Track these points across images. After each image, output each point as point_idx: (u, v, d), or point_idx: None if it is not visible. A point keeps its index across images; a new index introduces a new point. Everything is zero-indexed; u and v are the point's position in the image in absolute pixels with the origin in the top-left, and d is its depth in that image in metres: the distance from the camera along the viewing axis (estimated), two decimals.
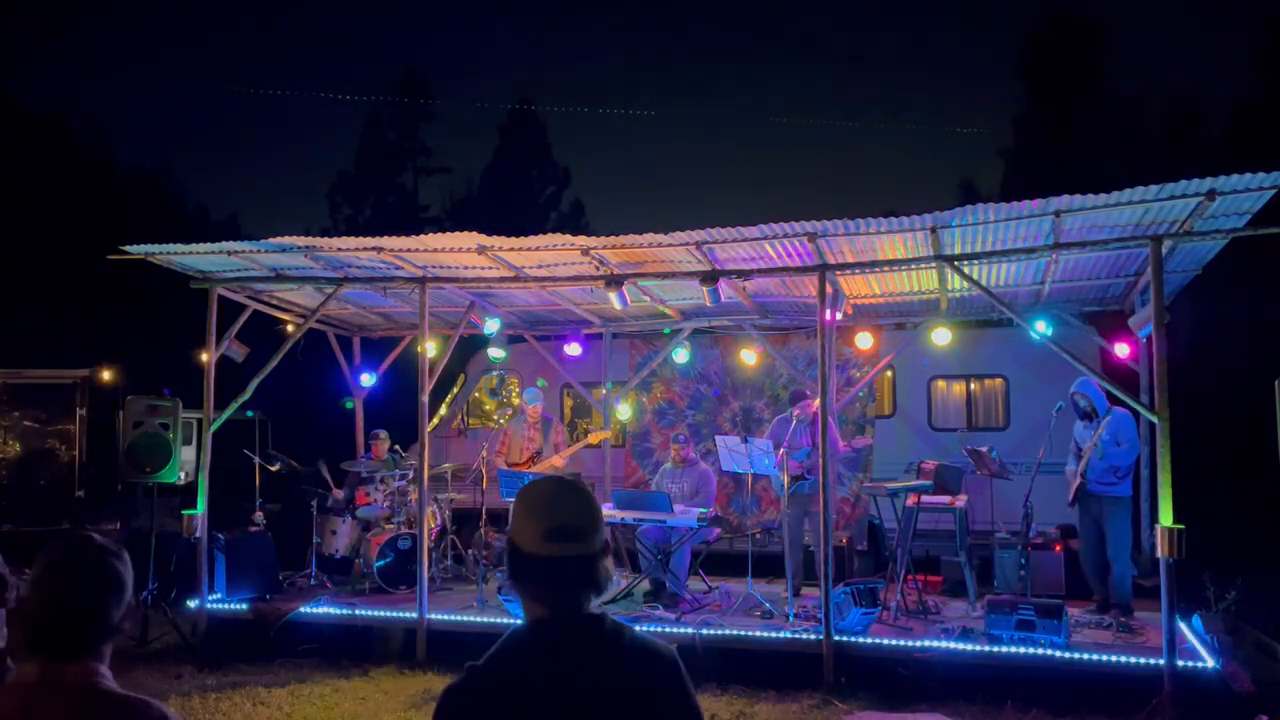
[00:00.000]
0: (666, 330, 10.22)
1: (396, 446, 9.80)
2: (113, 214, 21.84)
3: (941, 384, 10.82)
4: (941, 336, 8.75)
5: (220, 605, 8.04)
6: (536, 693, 1.67)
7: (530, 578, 1.75)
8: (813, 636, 6.80)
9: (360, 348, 10.95)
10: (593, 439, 9.53)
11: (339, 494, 9.45)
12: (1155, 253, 6.26)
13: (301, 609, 7.87)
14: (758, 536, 9.10)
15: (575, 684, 1.68)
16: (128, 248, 7.54)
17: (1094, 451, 7.26)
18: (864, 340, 9.25)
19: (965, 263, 6.98)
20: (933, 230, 6.51)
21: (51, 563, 1.87)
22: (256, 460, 9.87)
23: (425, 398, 7.85)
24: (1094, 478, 7.35)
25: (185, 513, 7.88)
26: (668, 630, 7.07)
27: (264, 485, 10.34)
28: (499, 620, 7.25)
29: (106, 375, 11.80)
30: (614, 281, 7.51)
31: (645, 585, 8.25)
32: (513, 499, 9.06)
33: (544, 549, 1.73)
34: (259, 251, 7.51)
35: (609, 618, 1.77)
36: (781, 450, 7.82)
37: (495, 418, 12.08)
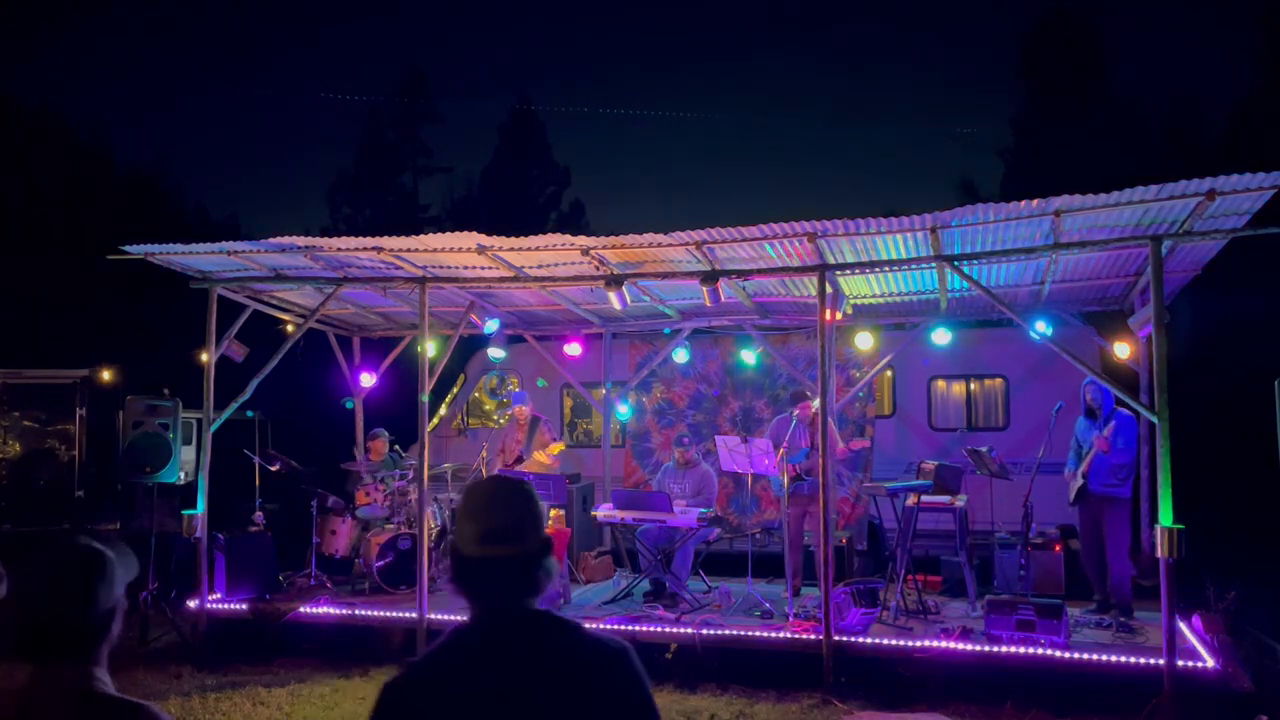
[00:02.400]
0: (666, 330, 10.23)
1: (396, 446, 9.79)
2: (113, 214, 21.84)
3: (941, 384, 10.82)
4: (941, 336, 8.76)
5: (220, 605, 8.04)
6: (467, 684, 1.71)
7: (467, 579, 1.78)
8: (813, 636, 6.80)
9: (360, 348, 10.95)
10: (552, 449, 8.88)
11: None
12: (1155, 253, 6.25)
13: (301, 609, 7.87)
14: (758, 536, 9.10)
15: (506, 675, 1.71)
16: (128, 248, 7.53)
17: (1097, 453, 7.26)
18: (864, 340, 9.26)
19: (965, 263, 6.98)
20: (933, 230, 6.51)
21: (40, 566, 1.86)
22: (256, 460, 9.86)
23: (425, 398, 7.85)
24: (1096, 479, 7.36)
25: (185, 513, 7.87)
26: (668, 630, 7.08)
27: (264, 485, 10.34)
28: None
29: (106, 375, 11.78)
30: (614, 281, 7.51)
31: (645, 585, 8.24)
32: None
33: (480, 551, 1.77)
34: (259, 251, 7.50)
35: (552, 614, 1.80)
36: (781, 450, 7.83)
37: (495, 418, 12.08)
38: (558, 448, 8.91)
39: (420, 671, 1.77)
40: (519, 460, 9.04)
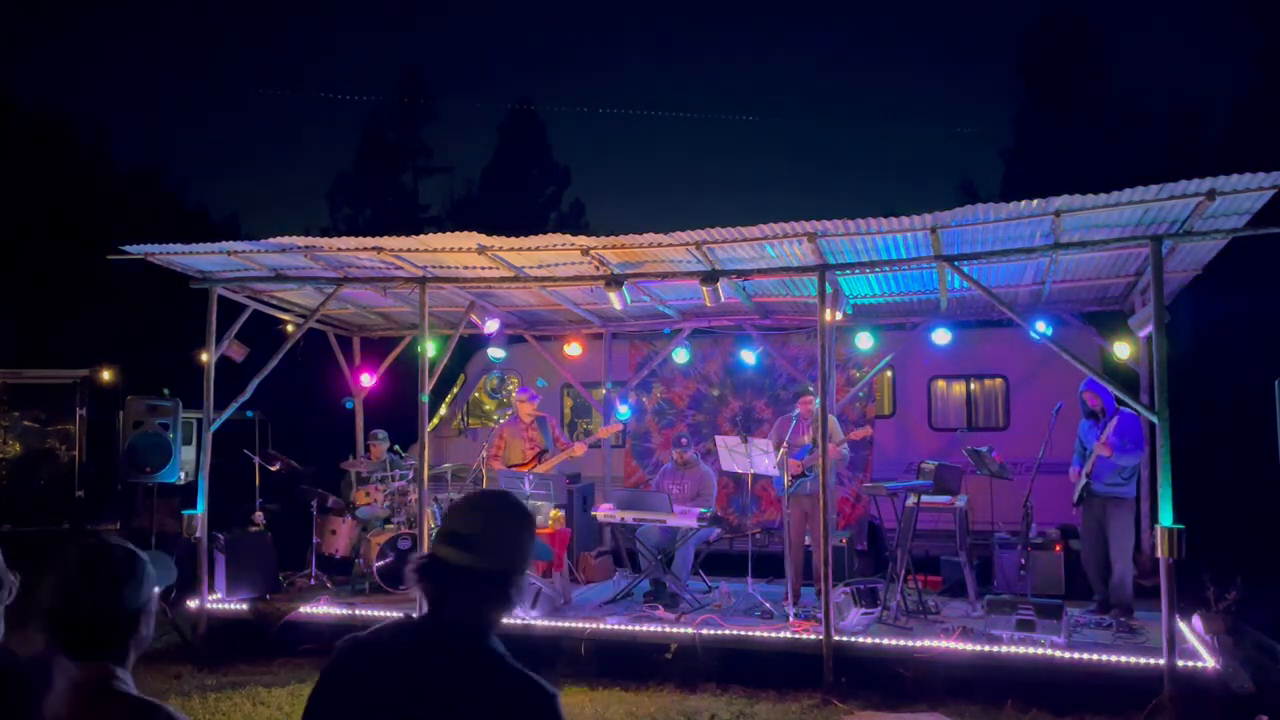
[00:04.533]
0: (666, 330, 10.23)
1: (396, 447, 9.78)
2: (113, 214, 21.82)
3: (941, 384, 10.83)
4: (941, 336, 8.76)
5: (220, 605, 8.04)
6: (367, 676, 1.73)
7: (416, 574, 1.79)
8: (813, 636, 6.79)
9: (360, 348, 10.94)
10: (577, 450, 9.11)
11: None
12: (1155, 253, 6.25)
13: (301, 609, 7.87)
14: (758, 536, 9.10)
15: (403, 682, 1.70)
16: (128, 248, 7.53)
17: (1101, 452, 7.26)
18: (864, 340, 9.26)
19: (965, 263, 6.98)
20: (933, 230, 6.51)
21: (67, 565, 1.87)
22: (256, 460, 9.86)
23: (425, 398, 7.85)
24: (1099, 478, 7.35)
25: (185, 513, 7.87)
26: (668, 630, 7.08)
27: (264, 485, 10.35)
28: None
29: (106, 375, 11.79)
30: (614, 281, 7.51)
31: (645, 585, 8.24)
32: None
33: (433, 548, 1.79)
34: (259, 251, 7.50)
35: (487, 643, 1.74)
36: (783, 449, 7.81)
37: (495, 418, 12.08)
38: (611, 430, 9.47)
39: (351, 648, 1.81)
40: (542, 455, 8.93)
